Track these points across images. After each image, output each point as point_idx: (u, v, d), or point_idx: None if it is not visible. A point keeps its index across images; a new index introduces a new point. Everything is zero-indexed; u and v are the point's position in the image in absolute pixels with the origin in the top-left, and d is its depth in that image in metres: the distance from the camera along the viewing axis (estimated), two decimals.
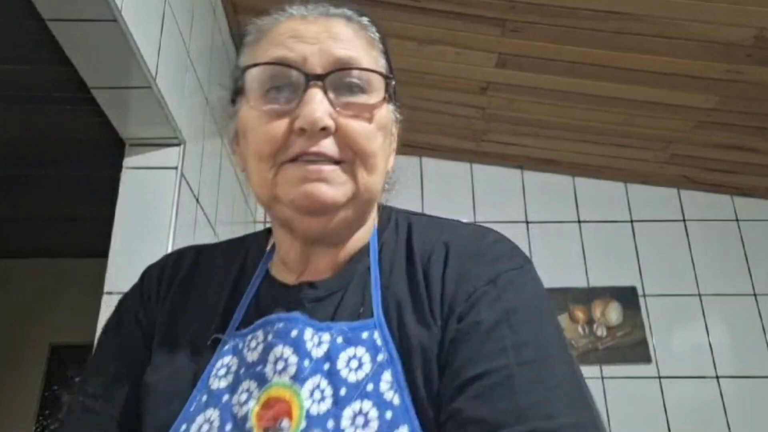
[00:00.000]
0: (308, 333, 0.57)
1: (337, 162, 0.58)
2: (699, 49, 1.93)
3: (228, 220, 2.10)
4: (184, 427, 0.56)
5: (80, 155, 2.53)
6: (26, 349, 3.47)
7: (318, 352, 0.56)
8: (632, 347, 2.45)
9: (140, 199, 1.51)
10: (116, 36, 1.22)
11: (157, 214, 1.50)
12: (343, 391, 0.53)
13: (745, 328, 2.50)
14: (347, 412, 0.52)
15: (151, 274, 0.72)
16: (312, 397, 0.53)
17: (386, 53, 0.67)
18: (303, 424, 0.52)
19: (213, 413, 0.56)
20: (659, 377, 2.41)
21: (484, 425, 0.48)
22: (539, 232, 2.64)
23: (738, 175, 2.58)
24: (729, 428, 2.33)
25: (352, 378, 0.54)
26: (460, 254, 0.60)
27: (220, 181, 1.99)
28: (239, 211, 2.30)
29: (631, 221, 2.68)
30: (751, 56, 1.93)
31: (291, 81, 0.59)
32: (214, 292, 0.66)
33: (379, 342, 0.56)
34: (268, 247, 0.69)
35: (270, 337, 0.57)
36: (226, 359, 0.59)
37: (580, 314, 2.50)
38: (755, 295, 2.55)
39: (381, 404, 0.52)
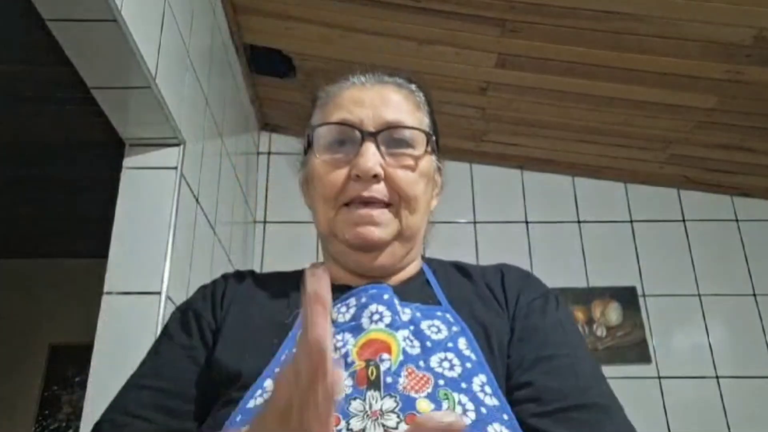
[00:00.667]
0: (396, 300, 0.68)
1: (386, 204, 0.72)
2: (699, 49, 1.93)
3: (228, 221, 2.10)
4: (277, 369, 0.61)
5: (80, 155, 2.53)
6: (26, 350, 3.47)
7: (404, 317, 0.67)
8: (632, 347, 2.45)
9: (140, 200, 1.51)
10: (116, 36, 1.22)
11: (156, 215, 1.50)
12: (428, 344, 0.64)
13: (745, 329, 2.50)
14: (434, 358, 0.62)
15: (209, 287, 0.78)
16: (405, 342, 0.63)
17: (431, 113, 0.82)
18: (401, 357, 0.61)
19: None
20: (659, 377, 2.41)
21: (556, 393, 0.62)
22: (539, 232, 2.64)
23: (738, 175, 2.58)
24: (729, 428, 2.33)
25: (435, 337, 0.65)
26: (513, 276, 0.77)
27: (219, 181, 1.99)
28: (239, 211, 2.30)
29: (631, 221, 2.68)
30: (751, 56, 1.93)
31: (351, 138, 0.73)
32: (280, 295, 0.74)
33: (451, 319, 0.68)
34: None
35: (364, 299, 0.68)
36: None
37: (579, 314, 2.49)
38: (755, 295, 2.55)
39: (461, 356, 0.63)
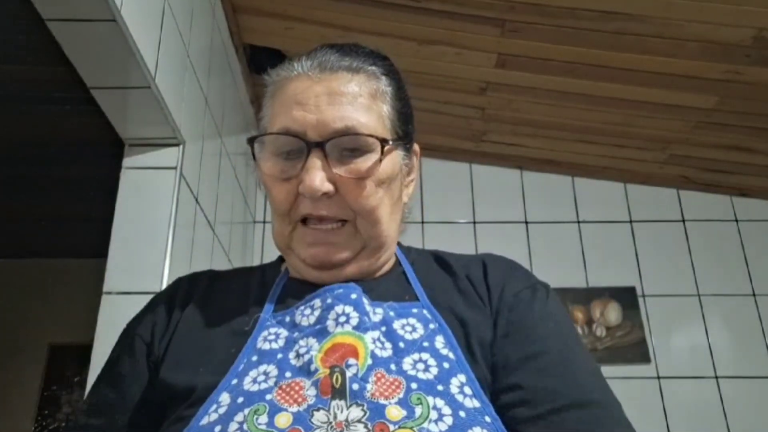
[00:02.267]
0: (365, 300, 0.63)
1: (342, 221, 0.66)
2: (698, 49, 1.93)
3: (227, 220, 2.10)
4: (235, 381, 0.57)
5: (79, 155, 2.53)
6: (25, 349, 3.46)
7: (374, 318, 0.62)
8: (631, 347, 2.45)
9: (139, 200, 1.51)
10: (115, 36, 1.22)
11: (156, 214, 1.50)
12: (401, 345, 0.59)
13: (744, 329, 2.50)
14: (408, 360, 0.58)
15: (159, 299, 0.75)
16: (374, 344, 0.59)
17: (398, 90, 0.72)
18: (369, 361, 0.57)
19: (268, 367, 0.58)
20: (658, 377, 2.41)
21: (548, 394, 0.57)
22: (538, 232, 2.64)
23: (737, 175, 2.58)
24: (728, 428, 2.33)
25: (409, 337, 0.60)
26: (496, 267, 0.71)
27: (219, 181, 1.99)
28: (238, 211, 2.30)
29: (631, 221, 2.68)
30: (750, 57, 1.93)
31: (297, 146, 0.66)
32: (239, 300, 0.69)
33: (428, 316, 0.63)
34: (283, 268, 0.75)
35: (329, 300, 0.63)
36: (272, 329, 0.63)
37: (579, 314, 2.50)
38: (754, 295, 2.55)
39: (438, 356, 0.59)
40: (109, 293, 1.40)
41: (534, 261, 2.57)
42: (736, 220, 2.67)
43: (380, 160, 0.66)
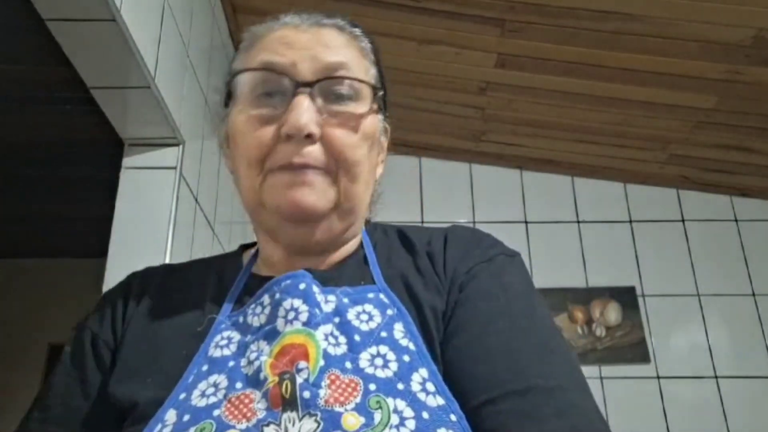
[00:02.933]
0: (316, 288, 0.57)
1: (322, 169, 0.59)
2: (698, 49, 1.93)
3: (227, 220, 2.10)
4: (183, 395, 0.52)
5: (79, 155, 2.53)
6: (25, 349, 3.46)
7: (327, 308, 0.56)
8: (631, 347, 2.45)
9: (139, 199, 1.51)
10: (115, 36, 1.22)
11: (156, 214, 1.50)
12: (357, 338, 0.53)
13: (744, 329, 2.50)
14: (364, 355, 0.52)
15: (110, 298, 0.69)
16: (327, 341, 0.53)
17: (378, 64, 0.68)
18: (321, 363, 0.51)
19: (218, 378, 0.53)
20: (658, 377, 2.41)
21: (485, 382, 0.51)
22: (538, 232, 2.64)
23: (737, 175, 2.58)
24: (727, 428, 2.34)
25: (365, 327, 0.55)
26: (458, 241, 0.64)
27: (219, 180, 2.00)
28: (238, 211, 2.30)
29: (630, 221, 2.68)
30: (750, 57, 1.93)
31: (281, 87, 0.60)
32: (194, 297, 0.64)
33: (386, 300, 0.58)
34: (249, 256, 0.69)
35: (277, 295, 0.57)
36: (225, 333, 0.57)
37: (579, 314, 2.50)
38: (754, 295, 2.55)
39: (397, 348, 0.53)
40: None
41: (534, 261, 2.57)
42: (736, 220, 2.68)
43: (371, 109, 0.63)
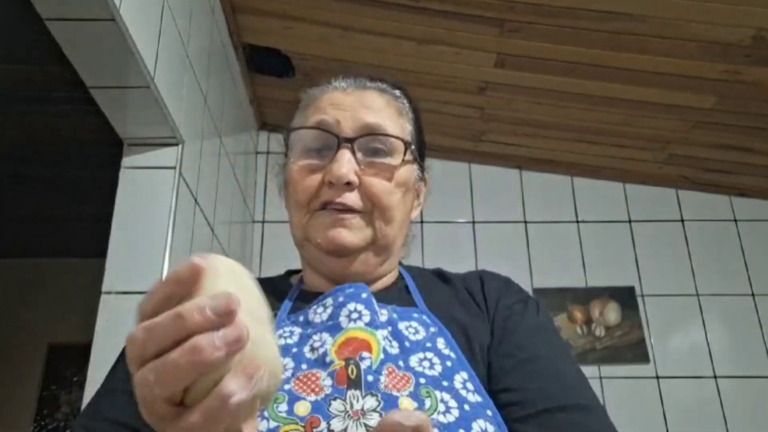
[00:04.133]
0: (374, 300, 0.67)
1: (359, 212, 0.70)
2: (697, 49, 1.94)
3: (226, 221, 2.10)
4: None
5: (78, 155, 2.53)
6: (24, 349, 3.46)
7: (381, 318, 0.66)
8: (630, 347, 2.45)
9: (138, 199, 1.51)
10: (115, 35, 1.22)
11: (155, 214, 1.50)
12: (407, 344, 0.63)
13: (743, 328, 2.50)
14: (414, 358, 0.62)
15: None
16: (384, 341, 0.62)
17: (417, 120, 0.79)
18: (381, 356, 0.60)
19: (285, 360, 0.61)
20: (657, 377, 2.41)
21: (539, 395, 0.61)
22: (537, 232, 2.64)
23: (736, 175, 2.58)
24: (727, 428, 2.34)
25: (413, 337, 0.65)
26: (492, 281, 0.76)
27: (218, 181, 1.99)
28: (238, 211, 2.30)
29: (630, 221, 2.68)
30: (749, 57, 1.93)
31: (327, 143, 0.72)
32: None
33: (428, 320, 0.68)
34: (297, 279, 0.79)
35: (341, 299, 0.66)
36: (287, 328, 0.66)
37: (578, 314, 2.50)
38: (753, 295, 2.55)
39: (441, 356, 0.63)
40: (108, 293, 1.40)
41: (533, 261, 2.57)
42: (735, 220, 2.68)
43: (403, 161, 0.73)
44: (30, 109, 2.22)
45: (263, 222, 2.61)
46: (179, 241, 1.55)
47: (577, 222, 2.67)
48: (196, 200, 1.72)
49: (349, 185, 0.69)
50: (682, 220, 2.68)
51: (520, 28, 1.97)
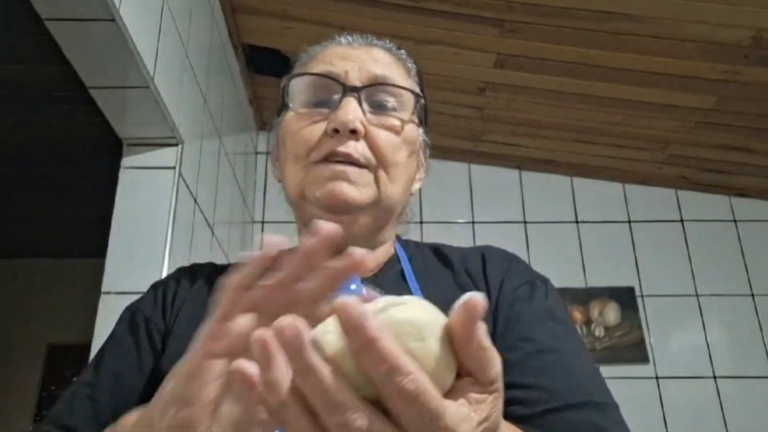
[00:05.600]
0: (365, 290, 0.61)
1: (362, 166, 0.64)
2: (696, 49, 1.94)
3: (226, 220, 2.10)
4: None
5: (78, 155, 2.53)
6: (24, 349, 3.46)
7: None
8: (630, 347, 2.45)
9: (138, 199, 1.51)
10: (114, 36, 1.22)
11: (154, 214, 1.50)
12: None
13: (743, 329, 2.50)
14: None
15: (160, 287, 0.72)
16: None
17: (421, 84, 0.74)
18: None
19: None
20: (657, 377, 2.41)
21: (545, 393, 0.56)
22: (537, 232, 2.64)
23: (736, 175, 2.58)
24: (726, 428, 2.34)
25: None
26: (494, 260, 0.69)
27: (218, 181, 1.99)
28: (237, 211, 2.30)
29: (629, 222, 2.68)
30: (749, 57, 1.93)
31: (332, 95, 0.66)
32: None
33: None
34: None
35: None
36: None
37: (578, 314, 2.50)
38: (753, 295, 2.55)
39: None
40: (108, 293, 1.40)
41: (533, 261, 2.56)
42: (735, 221, 2.68)
43: (411, 118, 0.67)
44: (29, 109, 2.22)
45: (263, 222, 2.61)
46: (179, 242, 1.55)
47: (577, 222, 2.67)
48: (195, 200, 1.72)
49: (354, 133, 0.63)
50: (682, 221, 2.68)
51: (519, 28, 1.97)
